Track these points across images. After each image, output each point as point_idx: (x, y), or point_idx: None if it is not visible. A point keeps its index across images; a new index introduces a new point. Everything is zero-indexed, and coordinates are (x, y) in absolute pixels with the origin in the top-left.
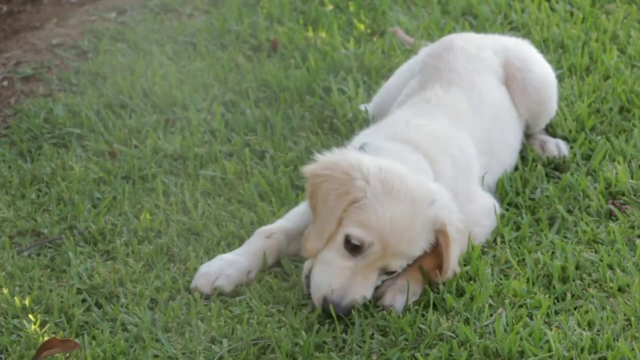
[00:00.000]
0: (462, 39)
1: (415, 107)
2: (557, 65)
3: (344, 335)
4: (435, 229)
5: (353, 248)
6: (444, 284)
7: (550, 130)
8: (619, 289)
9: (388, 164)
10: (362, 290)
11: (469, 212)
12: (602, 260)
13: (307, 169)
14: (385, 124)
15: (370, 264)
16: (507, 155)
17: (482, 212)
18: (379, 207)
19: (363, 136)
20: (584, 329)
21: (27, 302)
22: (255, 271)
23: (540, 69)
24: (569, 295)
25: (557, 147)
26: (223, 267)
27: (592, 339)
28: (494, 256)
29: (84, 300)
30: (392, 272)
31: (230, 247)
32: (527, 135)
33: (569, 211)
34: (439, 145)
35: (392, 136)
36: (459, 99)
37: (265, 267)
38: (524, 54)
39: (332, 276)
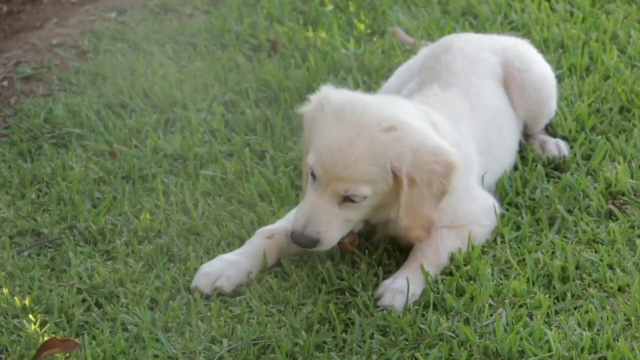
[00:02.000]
0: (461, 40)
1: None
2: (557, 65)
3: (344, 335)
4: (392, 164)
5: (312, 175)
6: (443, 283)
7: (550, 130)
8: (619, 289)
9: (356, 97)
10: (325, 223)
11: (469, 210)
12: (602, 260)
13: (301, 111)
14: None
15: (323, 191)
16: (506, 156)
17: (482, 211)
18: (324, 130)
19: None
20: (584, 329)
21: (27, 302)
22: (255, 271)
23: (540, 69)
24: (569, 295)
25: (557, 147)
26: (223, 268)
27: (592, 339)
28: (494, 256)
29: (84, 300)
30: (352, 201)
31: (230, 247)
32: (527, 135)
33: (569, 211)
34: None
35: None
36: (457, 98)
37: (266, 268)
38: (524, 54)
39: (296, 211)
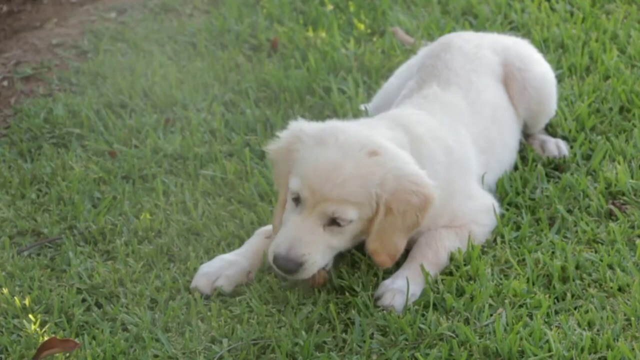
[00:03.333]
0: (461, 38)
1: (413, 104)
2: (557, 65)
3: (344, 335)
4: (375, 190)
5: (296, 200)
6: (443, 282)
7: (550, 130)
8: (619, 289)
9: (332, 124)
10: (310, 246)
11: (467, 210)
12: (602, 260)
13: (269, 149)
14: (380, 115)
15: (309, 213)
16: (506, 155)
17: (481, 210)
18: (306, 155)
19: None
20: (584, 329)
21: (27, 302)
22: (255, 271)
23: (540, 68)
24: (569, 295)
25: (557, 147)
26: (223, 268)
27: (592, 339)
28: (494, 256)
29: (84, 300)
30: (338, 225)
31: (230, 247)
32: (527, 135)
33: (569, 211)
34: (431, 130)
35: (381, 118)
36: (457, 97)
37: (265, 268)
38: (524, 53)
39: (279, 236)
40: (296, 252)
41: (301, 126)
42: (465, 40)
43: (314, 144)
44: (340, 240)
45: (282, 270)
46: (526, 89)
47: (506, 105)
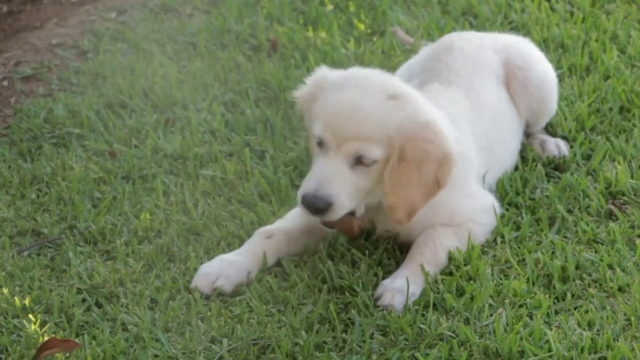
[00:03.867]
0: (462, 39)
1: None
2: (557, 65)
3: (344, 335)
4: (391, 131)
5: (319, 144)
6: (443, 282)
7: (550, 130)
8: (619, 289)
9: (354, 70)
10: (338, 186)
11: (467, 208)
12: (602, 260)
13: (295, 96)
14: None
15: (334, 154)
16: (507, 155)
17: (481, 209)
18: (327, 99)
19: None
20: (584, 329)
21: (27, 302)
22: (255, 271)
23: (541, 67)
24: (569, 295)
25: (557, 147)
26: (223, 268)
27: (592, 339)
28: (494, 256)
29: (84, 300)
30: (364, 164)
31: (230, 247)
32: (527, 135)
33: (569, 211)
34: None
35: None
36: (458, 96)
37: (265, 268)
38: (525, 52)
39: (306, 178)
40: (325, 191)
41: (324, 73)
42: (466, 41)
43: (334, 88)
44: (367, 182)
45: (311, 210)
46: (527, 88)
47: (507, 106)
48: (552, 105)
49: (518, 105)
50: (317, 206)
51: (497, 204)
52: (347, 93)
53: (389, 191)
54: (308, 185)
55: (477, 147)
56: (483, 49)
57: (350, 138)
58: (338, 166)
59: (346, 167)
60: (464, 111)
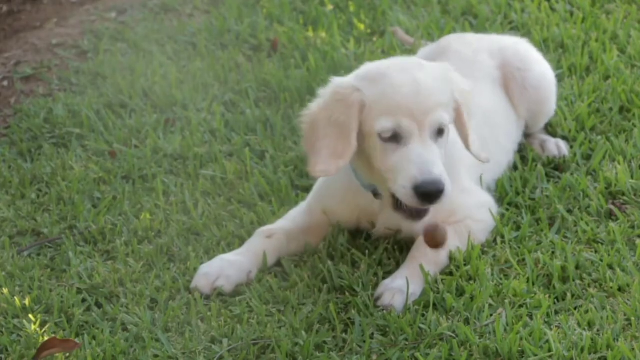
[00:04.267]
0: (459, 42)
1: None
2: (557, 65)
3: (344, 335)
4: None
5: (394, 138)
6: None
7: (550, 130)
8: (619, 289)
9: (368, 66)
10: (436, 160)
11: (464, 203)
12: (602, 260)
13: (305, 116)
14: None
15: (420, 137)
16: (502, 155)
17: (476, 205)
18: (379, 93)
19: None
20: (584, 329)
21: (27, 302)
22: (255, 271)
23: (539, 67)
24: (569, 295)
25: (557, 147)
26: (223, 268)
27: (592, 339)
28: (494, 256)
29: (84, 300)
30: (442, 130)
31: (230, 247)
32: (527, 135)
33: (569, 211)
34: None
35: None
36: None
37: (265, 268)
38: (523, 53)
39: (408, 169)
40: (437, 173)
41: (342, 81)
42: (463, 44)
43: (376, 82)
44: (443, 152)
45: (427, 199)
46: (526, 89)
47: (502, 108)
48: (550, 105)
49: (518, 106)
50: (439, 189)
51: (494, 204)
52: (397, 78)
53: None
54: (423, 169)
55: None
56: (479, 53)
57: (429, 111)
58: (430, 146)
59: (434, 144)
60: None
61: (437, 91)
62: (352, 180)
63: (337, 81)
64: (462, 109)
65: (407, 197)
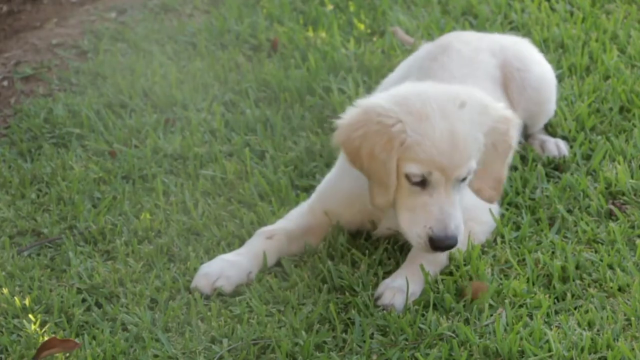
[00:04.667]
0: (460, 41)
1: None
2: (557, 65)
3: (344, 335)
4: (483, 137)
5: (421, 183)
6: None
7: (550, 130)
8: (619, 289)
9: (406, 91)
10: (455, 213)
11: (467, 204)
12: (602, 260)
13: (337, 137)
14: None
15: (445, 188)
16: None
17: (479, 207)
18: (419, 138)
19: None
20: (584, 329)
21: (27, 302)
22: (255, 272)
23: (540, 68)
24: (569, 295)
25: (557, 147)
26: (223, 268)
27: (592, 339)
28: (494, 256)
29: (84, 300)
30: (465, 179)
31: (230, 247)
32: (527, 135)
33: (569, 211)
34: None
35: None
36: None
37: (265, 268)
38: (523, 53)
39: (422, 217)
40: (453, 227)
41: (383, 105)
42: (464, 43)
43: (418, 122)
44: (463, 193)
45: (441, 249)
46: (525, 89)
47: None
48: (550, 106)
49: (516, 106)
50: (451, 245)
51: (496, 205)
52: (440, 126)
53: (473, 178)
54: (434, 227)
55: None
56: (480, 52)
57: (460, 166)
58: (453, 197)
59: (457, 192)
60: None
61: (471, 142)
62: (358, 183)
63: (377, 104)
64: (498, 145)
65: (419, 244)
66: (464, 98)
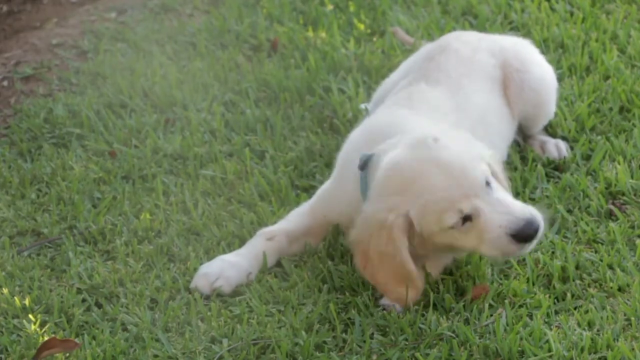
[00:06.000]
0: (459, 41)
1: (398, 102)
2: (557, 65)
3: (344, 335)
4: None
5: (465, 219)
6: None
7: (550, 130)
8: (619, 289)
9: (382, 174)
10: (513, 203)
11: None
12: (602, 260)
13: (355, 245)
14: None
15: (482, 203)
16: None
17: None
18: (422, 203)
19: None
20: (584, 329)
21: (27, 302)
22: (255, 273)
23: (539, 70)
24: (569, 295)
25: (557, 148)
26: (223, 269)
27: (592, 339)
28: None
29: (84, 300)
30: (488, 182)
31: (230, 247)
32: (527, 136)
33: (569, 211)
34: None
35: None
36: (441, 97)
37: (266, 269)
38: (523, 54)
39: (494, 236)
40: (520, 212)
41: (375, 207)
42: (463, 43)
43: (410, 192)
44: (504, 187)
45: (530, 237)
46: (524, 91)
47: (498, 107)
48: (549, 108)
49: (514, 107)
50: (536, 228)
51: None
52: (429, 173)
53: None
54: (506, 230)
55: None
56: (479, 52)
57: (474, 179)
58: (496, 198)
59: (496, 192)
60: (445, 114)
61: (465, 155)
62: (357, 193)
63: (369, 207)
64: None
65: (502, 250)
66: (433, 134)
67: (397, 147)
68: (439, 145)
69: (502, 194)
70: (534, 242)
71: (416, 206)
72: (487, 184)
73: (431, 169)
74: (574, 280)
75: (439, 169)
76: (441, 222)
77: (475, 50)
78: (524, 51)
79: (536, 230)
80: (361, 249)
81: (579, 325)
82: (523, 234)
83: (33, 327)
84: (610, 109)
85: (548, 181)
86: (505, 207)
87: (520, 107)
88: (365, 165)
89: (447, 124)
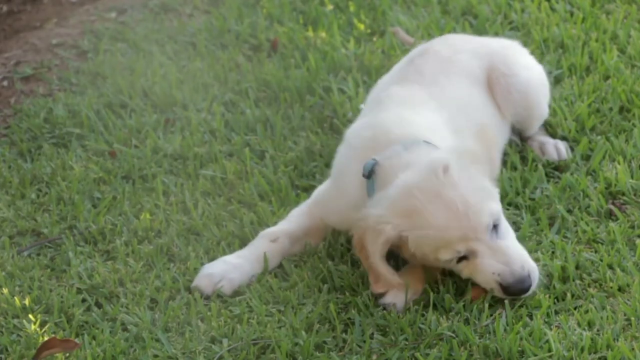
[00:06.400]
0: (443, 43)
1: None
2: (557, 65)
3: (344, 335)
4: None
5: (462, 258)
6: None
7: (550, 130)
8: (619, 289)
9: (392, 192)
10: (514, 255)
11: None
12: (602, 260)
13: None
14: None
15: (483, 244)
16: None
17: None
18: (420, 231)
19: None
20: (584, 329)
21: (27, 302)
22: (257, 274)
23: (527, 73)
24: (569, 295)
25: (556, 150)
26: (227, 271)
27: (592, 339)
28: None
29: (84, 300)
30: (496, 225)
31: (230, 247)
32: (526, 137)
33: (569, 211)
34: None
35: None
36: (414, 91)
37: (267, 270)
38: (510, 58)
39: (488, 281)
40: (521, 270)
41: (381, 214)
42: (446, 45)
43: (411, 218)
44: (509, 236)
45: (516, 294)
46: (511, 94)
47: (482, 104)
48: (540, 110)
49: (503, 110)
50: (525, 289)
51: None
52: (434, 209)
53: None
54: (500, 280)
55: (450, 129)
56: (460, 53)
57: (478, 221)
58: (498, 248)
59: (499, 240)
60: (423, 102)
61: (473, 194)
62: (352, 197)
63: (375, 211)
64: None
65: (492, 290)
66: (444, 162)
67: (410, 166)
68: (448, 180)
69: (508, 242)
70: (523, 296)
71: (415, 235)
72: (495, 226)
73: (436, 205)
74: (574, 280)
75: (444, 206)
76: (436, 254)
77: (457, 52)
78: (511, 55)
79: (527, 289)
80: (360, 233)
81: (579, 325)
82: (514, 289)
83: (33, 327)
84: (610, 109)
85: (548, 181)
86: (505, 256)
87: (510, 109)
88: (371, 173)
89: (425, 110)
